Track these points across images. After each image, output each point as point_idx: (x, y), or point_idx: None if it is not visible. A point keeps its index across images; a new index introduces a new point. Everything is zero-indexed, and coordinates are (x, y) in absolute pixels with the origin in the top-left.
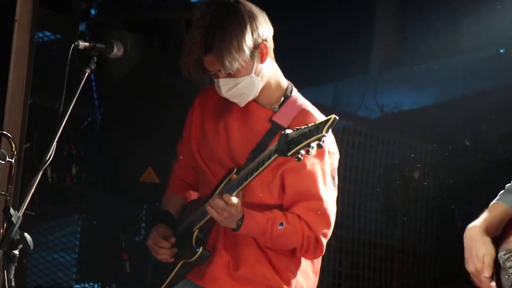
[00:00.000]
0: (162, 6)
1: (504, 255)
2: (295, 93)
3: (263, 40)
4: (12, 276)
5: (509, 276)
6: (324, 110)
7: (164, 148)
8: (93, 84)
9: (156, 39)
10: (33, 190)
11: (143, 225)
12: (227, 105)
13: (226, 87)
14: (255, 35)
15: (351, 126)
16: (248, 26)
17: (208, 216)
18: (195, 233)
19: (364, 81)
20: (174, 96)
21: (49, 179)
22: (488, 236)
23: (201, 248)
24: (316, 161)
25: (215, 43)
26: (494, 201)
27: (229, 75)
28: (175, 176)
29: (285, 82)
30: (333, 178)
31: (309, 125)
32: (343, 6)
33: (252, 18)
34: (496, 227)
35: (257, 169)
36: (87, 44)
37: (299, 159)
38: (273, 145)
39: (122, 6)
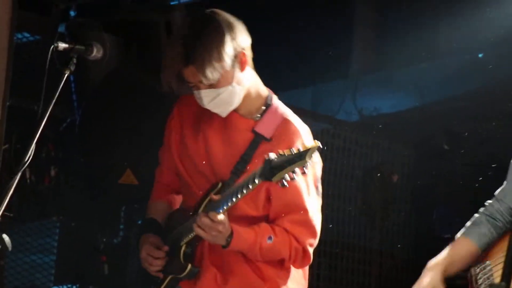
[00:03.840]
0: (142, 8)
1: (477, 268)
2: (276, 101)
3: (242, 49)
4: None
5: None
6: (303, 113)
7: (143, 150)
8: (72, 85)
9: (135, 41)
10: (11, 191)
11: (121, 227)
12: (206, 115)
13: (208, 98)
14: (234, 44)
15: (329, 129)
16: (227, 36)
17: (194, 233)
18: (183, 248)
19: (343, 84)
20: (152, 98)
21: (28, 181)
22: (444, 273)
23: (190, 265)
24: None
25: (195, 54)
26: (459, 234)
27: (210, 86)
28: (158, 183)
29: (265, 91)
30: (317, 188)
31: (293, 151)
32: (323, 10)
33: (230, 27)
34: (459, 264)
35: (242, 192)
36: (66, 45)
37: (283, 185)
38: (257, 169)
39: (101, 7)
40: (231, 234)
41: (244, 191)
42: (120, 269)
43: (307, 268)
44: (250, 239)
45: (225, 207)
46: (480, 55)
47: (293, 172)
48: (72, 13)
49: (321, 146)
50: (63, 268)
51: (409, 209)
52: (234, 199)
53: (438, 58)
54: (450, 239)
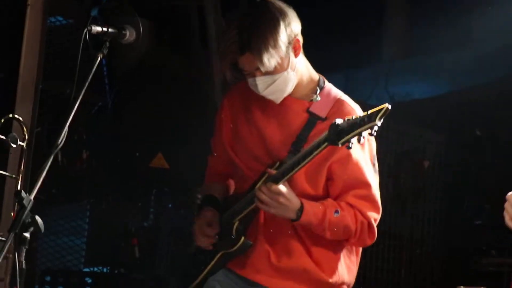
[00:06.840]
0: None
1: None
2: (328, 84)
3: (295, 35)
4: (23, 259)
5: None
6: None
7: (174, 134)
8: (104, 69)
9: (167, 25)
10: (44, 174)
11: (152, 210)
12: (257, 101)
13: (263, 85)
14: (289, 31)
15: None
16: (281, 23)
17: (249, 208)
18: (235, 224)
19: (375, 70)
20: (183, 82)
21: (60, 164)
22: None
23: (243, 238)
24: (359, 149)
25: (252, 42)
26: None
27: (266, 73)
28: (210, 168)
29: (316, 75)
30: (373, 165)
31: (361, 114)
32: None
33: (284, 14)
34: None
35: (305, 158)
36: (99, 29)
37: (349, 148)
38: (322, 135)
39: None
40: (301, 208)
41: (308, 158)
42: (151, 252)
43: (359, 255)
44: (320, 213)
45: (285, 177)
46: None
47: (360, 135)
48: None
49: (390, 108)
50: (93, 251)
51: (440, 196)
52: (295, 168)
53: (471, 44)
54: (481, 226)
